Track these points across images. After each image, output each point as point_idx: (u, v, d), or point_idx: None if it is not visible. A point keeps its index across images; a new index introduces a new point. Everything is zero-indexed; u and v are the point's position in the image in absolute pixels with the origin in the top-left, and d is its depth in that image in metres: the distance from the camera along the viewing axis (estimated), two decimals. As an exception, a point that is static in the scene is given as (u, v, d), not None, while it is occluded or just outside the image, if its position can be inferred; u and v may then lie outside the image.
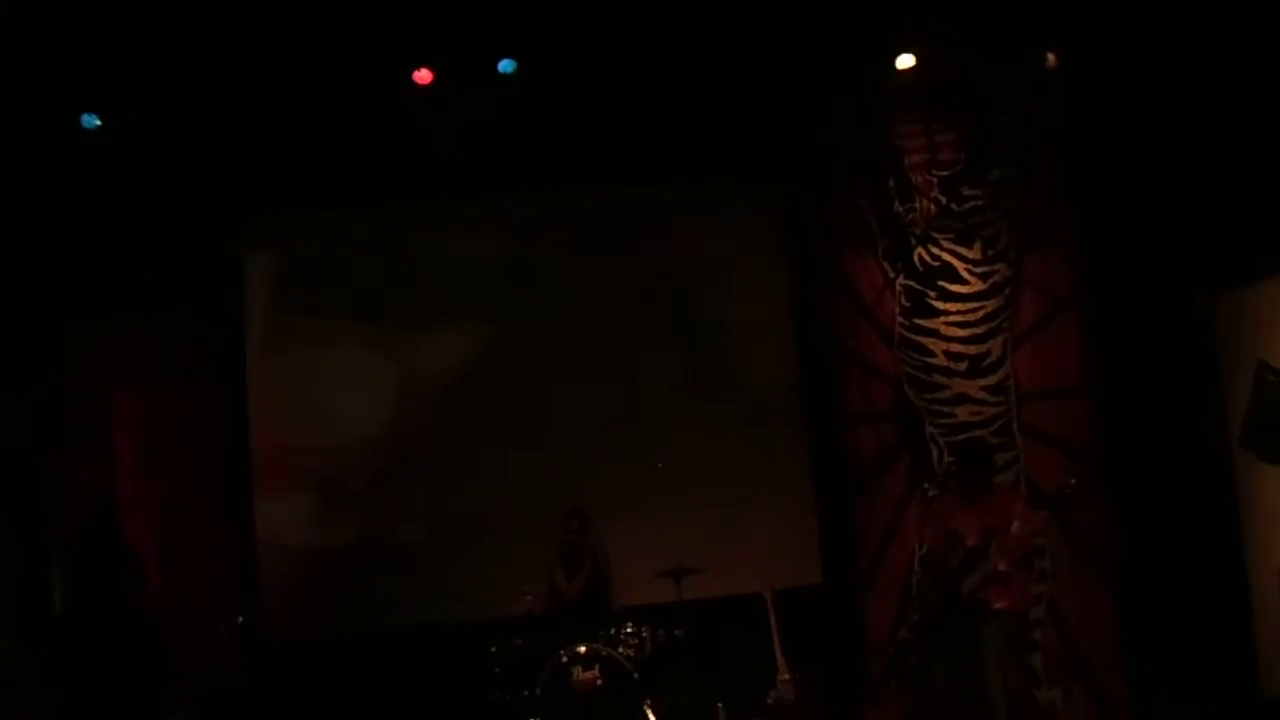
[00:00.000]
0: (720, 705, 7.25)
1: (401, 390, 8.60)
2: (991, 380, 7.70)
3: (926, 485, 7.58)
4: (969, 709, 6.39)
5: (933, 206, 7.82)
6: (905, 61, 7.60)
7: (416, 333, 8.68)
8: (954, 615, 6.28)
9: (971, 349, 7.67)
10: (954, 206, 7.81)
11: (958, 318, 7.69)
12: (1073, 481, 6.45)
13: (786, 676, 7.65)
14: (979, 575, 6.20)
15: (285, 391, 8.56)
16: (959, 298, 7.71)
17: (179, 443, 8.12)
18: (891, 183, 7.91)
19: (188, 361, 8.20)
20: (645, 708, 7.01)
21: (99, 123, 7.58)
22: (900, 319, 7.81)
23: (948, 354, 7.70)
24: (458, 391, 8.59)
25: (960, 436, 7.56)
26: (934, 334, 7.72)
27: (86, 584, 7.77)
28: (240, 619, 7.76)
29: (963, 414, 7.67)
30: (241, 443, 8.43)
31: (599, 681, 7.00)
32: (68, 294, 7.82)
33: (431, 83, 7.62)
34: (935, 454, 7.67)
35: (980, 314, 7.70)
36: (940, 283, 7.73)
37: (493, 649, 7.29)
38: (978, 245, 7.76)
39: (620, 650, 7.16)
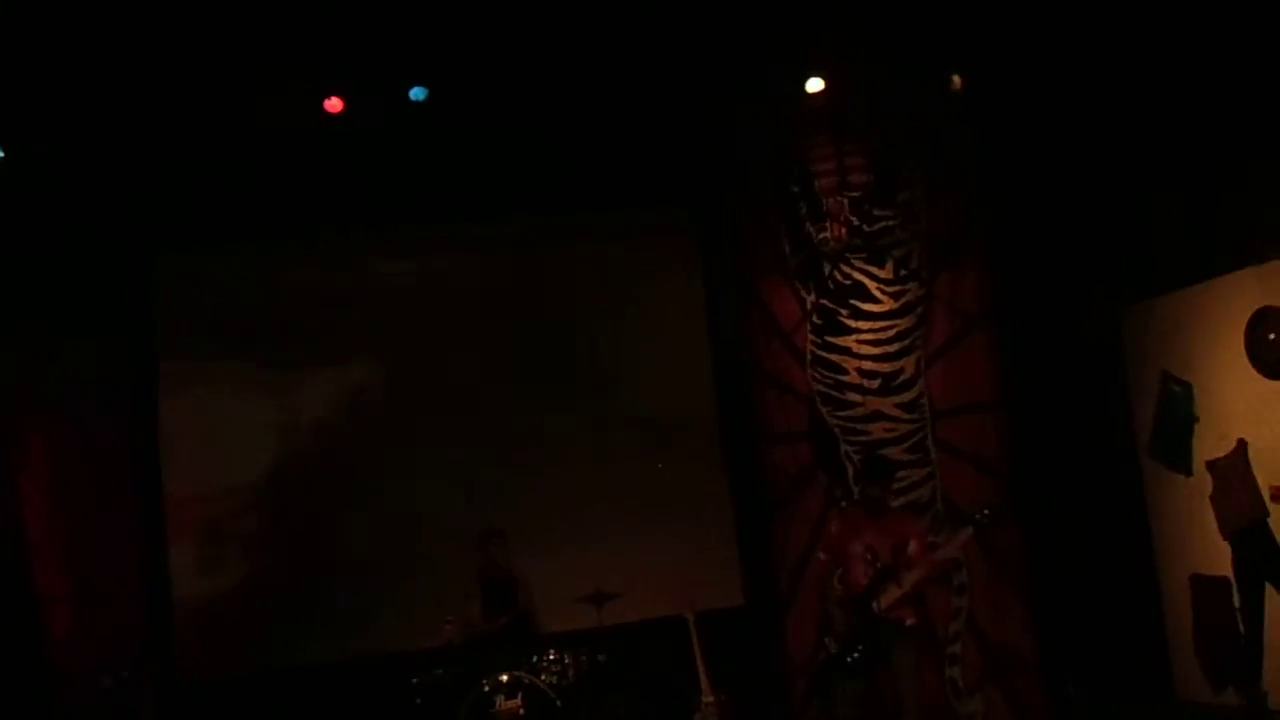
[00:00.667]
0: (645, 730, 7.24)
1: (311, 425, 8.49)
2: (905, 397, 7.79)
3: (844, 504, 7.63)
4: None
5: (844, 228, 7.89)
6: (815, 85, 7.65)
7: (323, 365, 8.57)
8: (867, 635, 6.28)
9: (884, 366, 7.77)
10: (865, 227, 7.90)
11: (870, 336, 7.78)
12: (986, 512, 6.43)
13: (711, 699, 7.63)
14: (890, 594, 6.24)
15: (192, 431, 8.41)
16: (871, 316, 7.80)
17: (88, 482, 7.95)
18: (803, 204, 7.98)
19: (95, 400, 8.03)
20: (569, 735, 6.99)
21: (1, 154, 7.45)
22: (813, 337, 7.87)
23: (860, 371, 7.78)
24: (367, 424, 8.51)
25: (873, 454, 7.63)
26: (847, 352, 7.79)
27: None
28: (125, 674, 7.56)
29: (877, 431, 7.74)
30: (152, 481, 8.28)
31: (522, 710, 6.94)
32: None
33: (342, 111, 7.57)
34: (850, 472, 7.73)
35: (893, 332, 7.80)
36: (852, 301, 7.82)
37: (414, 680, 7.22)
38: (889, 265, 7.86)
39: (543, 678, 7.13)
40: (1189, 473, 7.21)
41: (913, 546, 6.35)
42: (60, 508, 7.85)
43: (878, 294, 7.82)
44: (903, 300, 7.84)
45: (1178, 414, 7.29)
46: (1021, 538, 7.74)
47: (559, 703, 7.02)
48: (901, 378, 7.77)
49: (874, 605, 6.25)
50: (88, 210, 7.90)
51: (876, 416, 7.75)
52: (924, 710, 6.54)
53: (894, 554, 6.28)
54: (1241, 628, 6.85)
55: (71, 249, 7.92)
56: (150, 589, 8.15)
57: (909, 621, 6.31)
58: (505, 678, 7.02)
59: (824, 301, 7.86)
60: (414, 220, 8.54)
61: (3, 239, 7.70)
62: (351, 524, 8.37)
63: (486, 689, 6.99)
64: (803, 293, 7.92)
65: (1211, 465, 7.01)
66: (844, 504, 6.98)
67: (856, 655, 6.29)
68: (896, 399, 7.76)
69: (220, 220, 8.31)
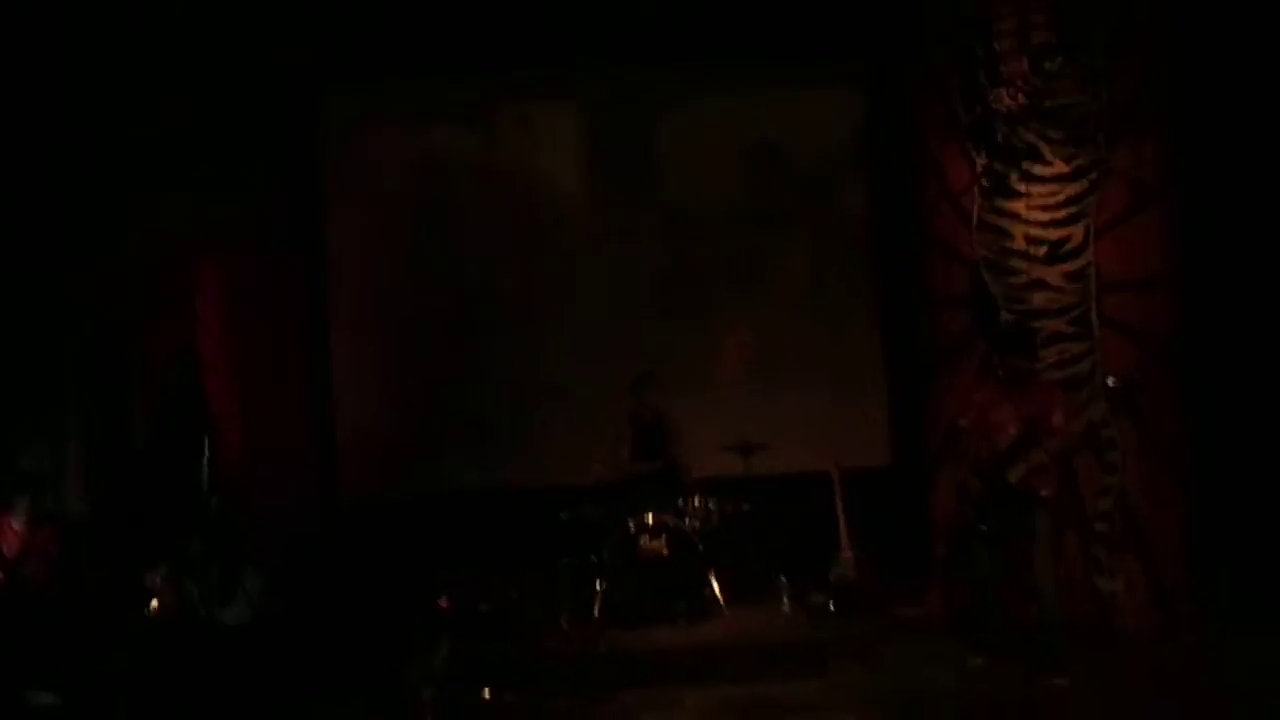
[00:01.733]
0: (783, 579, 7.36)
1: (473, 258, 8.73)
2: (1071, 267, 7.53)
3: (1000, 373, 7.52)
4: (1020, 598, 6.43)
5: (1021, 90, 7.60)
6: (1001, -60, 7.34)
7: (483, 203, 8.74)
8: (1002, 505, 6.26)
9: (1052, 234, 7.50)
10: (1043, 90, 7.57)
11: (1039, 201, 7.50)
12: (1115, 381, 6.39)
13: (849, 555, 7.74)
14: (1025, 465, 6.18)
15: (360, 256, 8.71)
16: (1042, 180, 7.50)
17: (258, 307, 8.30)
18: (981, 65, 7.70)
19: (265, 228, 8.33)
20: (709, 578, 7.15)
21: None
22: (980, 201, 7.64)
23: (1027, 238, 7.52)
24: (529, 262, 8.68)
25: (1036, 324, 7.47)
26: (1014, 217, 7.54)
27: (171, 444, 7.99)
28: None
29: (1039, 300, 7.52)
30: (320, 305, 8.61)
31: (665, 552, 7.12)
32: (148, 164, 7.91)
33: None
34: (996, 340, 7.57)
35: (1063, 198, 7.50)
36: (1024, 165, 7.52)
37: (562, 515, 7.45)
38: (1066, 129, 7.51)
39: (687, 522, 7.27)
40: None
41: (1056, 418, 6.26)
42: (232, 331, 8.21)
43: (1051, 158, 7.50)
44: (1075, 165, 7.50)
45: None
46: (1180, 420, 7.54)
47: (701, 547, 7.17)
48: (1068, 246, 7.51)
49: (1010, 475, 6.22)
50: (260, 42, 8.05)
51: (1039, 286, 7.51)
52: (1059, 583, 6.50)
53: (1033, 425, 6.21)
54: None
55: (243, 84, 8.12)
56: (316, 411, 8.55)
57: (1044, 493, 6.26)
58: (650, 519, 7.18)
59: (995, 164, 7.59)
60: (576, 63, 8.55)
61: (180, 73, 7.92)
62: (510, 361, 8.64)
63: (631, 529, 7.18)
64: (973, 154, 7.66)
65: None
66: (1000, 373, 6.86)
67: (991, 524, 6.30)
68: (1062, 268, 7.50)
69: (381, 60, 8.46)
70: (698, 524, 7.31)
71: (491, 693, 6.29)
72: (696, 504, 7.38)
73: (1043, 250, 7.52)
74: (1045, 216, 7.51)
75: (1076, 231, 7.53)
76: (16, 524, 6.46)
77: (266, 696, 6.43)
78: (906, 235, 8.12)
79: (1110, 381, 6.42)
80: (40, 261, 7.68)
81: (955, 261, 7.75)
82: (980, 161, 7.68)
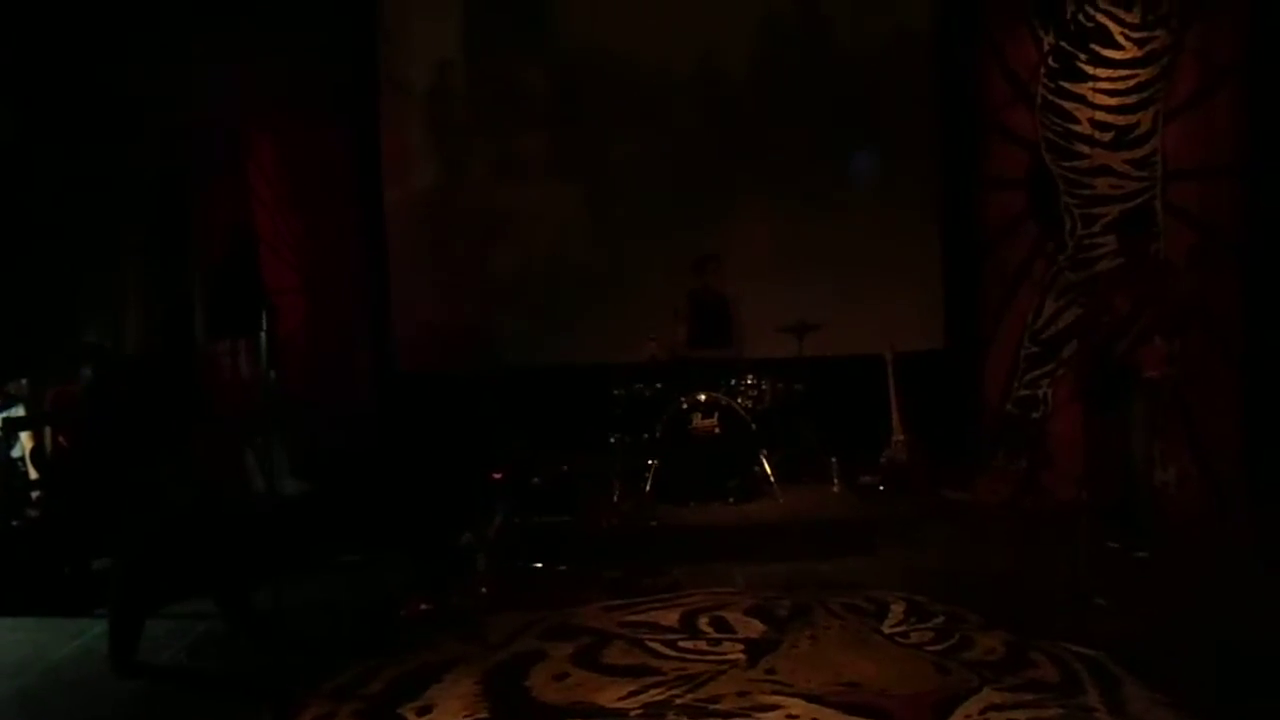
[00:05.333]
0: (834, 460, 7.40)
1: (533, 131, 8.69)
2: (1137, 154, 7.38)
3: (1061, 258, 7.46)
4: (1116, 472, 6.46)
5: (1092, -35, 7.38)
6: None
7: (542, 76, 8.68)
8: (1106, 379, 6.28)
9: (1119, 118, 7.34)
10: (1115, -36, 7.36)
11: (1108, 85, 7.33)
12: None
13: (901, 438, 7.79)
14: (1130, 342, 6.17)
15: (417, 132, 8.68)
16: (1112, 63, 7.31)
17: (314, 180, 8.31)
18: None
19: (321, 102, 8.29)
20: (760, 457, 7.20)
21: None
22: (1046, 81, 7.48)
23: (1093, 122, 7.38)
24: (598, 132, 8.65)
25: (1097, 209, 7.37)
26: (1081, 100, 7.38)
27: (227, 316, 8.07)
28: None
29: (1102, 186, 7.40)
30: (373, 181, 8.61)
31: (717, 430, 7.16)
32: (205, 31, 7.85)
33: None
34: (1068, 225, 7.49)
35: (1133, 82, 7.32)
36: (1093, 46, 7.33)
37: (615, 392, 7.49)
38: (1137, 8, 7.28)
39: (739, 401, 7.30)
40: None
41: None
42: (288, 204, 8.22)
43: (1121, 40, 7.30)
44: (1148, 49, 7.30)
45: None
46: (1239, 311, 7.44)
47: (753, 426, 7.19)
48: (1136, 132, 7.34)
49: (1115, 354, 6.22)
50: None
51: (1104, 171, 7.38)
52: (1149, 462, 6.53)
53: (1137, 303, 6.19)
54: None
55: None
56: (371, 285, 8.61)
57: (1150, 374, 6.26)
58: (703, 397, 7.21)
59: (1063, 44, 7.41)
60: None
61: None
62: (568, 239, 8.66)
63: (684, 406, 7.21)
64: (1040, 34, 7.49)
65: None
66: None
67: (1097, 401, 6.37)
68: (1128, 154, 7.35)
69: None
70: (750, 403, 7.34)
71: (544, 563, 6.43)
72: (749, 383, 7.41)
73: (1109, 135, 7.37)
74: (1113, 101, 7.35)
75: (1145, 117, 7.36)
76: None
77: (322, 564, 6.63)
78: (969, 117, 7.97)
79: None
80: (97, 130, 7.67)
81: (1015, 144, 7.62)
82: (1048, 41, 7.50)
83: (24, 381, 6.95)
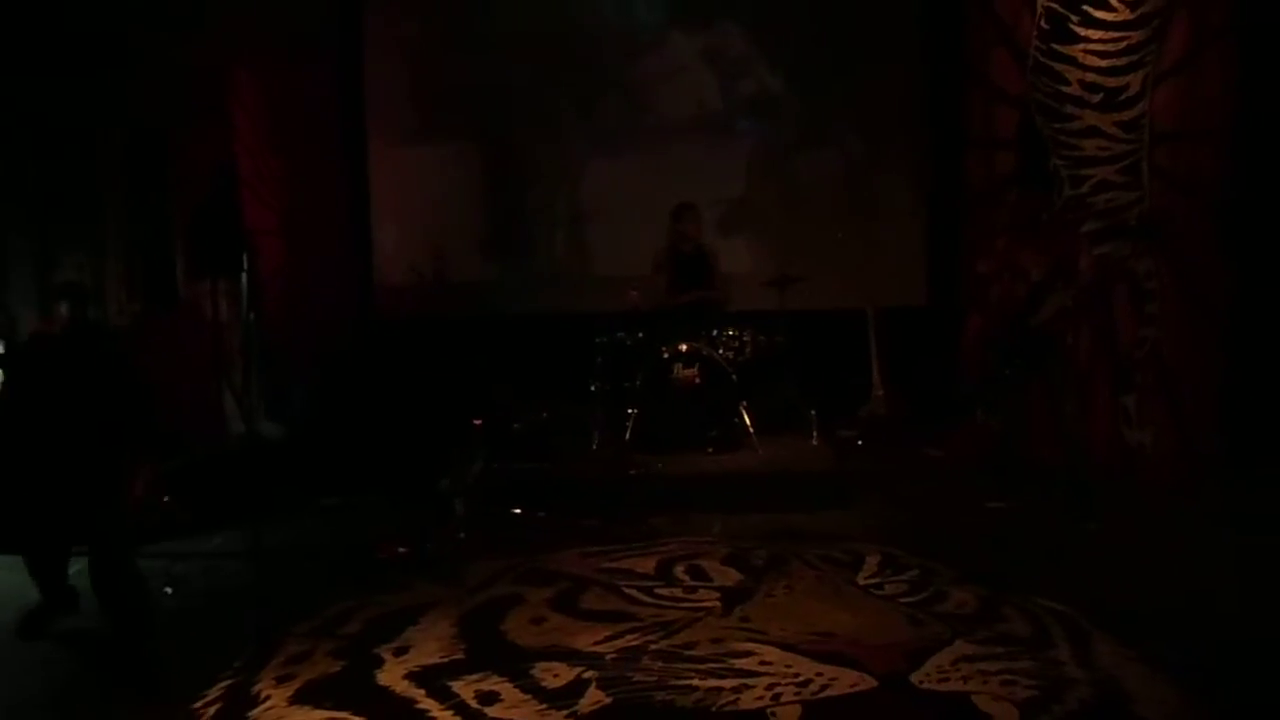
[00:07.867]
0: (813, 413, 7.44)
1: (513, 80, 8.63)
2: (1126, 116, 7.34)
3: (1045, 216, 7.45)
4: (1042, 444, 6.48)
5: (1086, -77, 7.33)
6: None
7: (525, 26, 8.60)
8: (1024, 349, 6.28)
9: (1110, 80, 7.28)
10: (1109, -77, 7.31)
11: (1099, 46, 7.28)
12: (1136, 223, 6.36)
13: (881, 392, 7.83)
14: (1049, 309, 6.16)
15: (400, 68, 8.60)
16: (1104, 25, 7.26)
17: (296, 120, 8.23)
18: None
19: (304, 41, 8.20)
20: (740, 409, 7.22)
21: None
22: (1037, 43, 7.45)
23: (1083, 84, 7.33)
24: (583, 78, 8.61)
25: (1084, 170, 7.35)
26: (1072, 61, 7.34)
27: (207, 257, 7.99)
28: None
29: (1090, 148, 7.37)
30: (359, 121, 8.52)
31: (697, 380, 7.19)
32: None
33: None
34: (1057, 186, 7.48)
35: (1124, 45, 7.26)
36: (1085, 7, 7.30)
37: (596, 340, 7.49)
38: (1131, -30, 7.28)
39: (721, 351, 7.31)
40: None
41: (1082, 262, 6.24)
42: (270, 146, 8.15)
43: (1115, 3, 7.30)
44: (1140, 11, 7.26)
45: None
46: (1222, 275, 7.45)
47: (734, 377, 7.22)
48: (1126, 94, 7.30)
49: (1032, 320, 6.22)
50: None
51: (1092, 132, 7.35)
52: (1083, 430, 6.54)
53: (1056, 269, 6.18)
54: None
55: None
56: (352, 229, 8.55)
57: (1069, 339, 6.26)
58: (684, 347, 7.23)
59: (1054, 5, 7.39)
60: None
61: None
62: (549, 184, 8.60)
63: (665, 356, 7.23)
64: (1033, -8, 7.47)
65: None
66: (1044, 216, 6.76)
67: (1013, 369, 6.32)
68: (1116, 116, 7.33)
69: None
70: (731, 354, 7.36)
71: (522, 510, 6.44)
72: (730, 334, 7.42)
73: (1098, 97, 7.35)
74: (1103, 63, 7.29)
75: (1134, 80, 7.30)
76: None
77: (301, 505, 6.62)
78: (958, 75, 7.94)
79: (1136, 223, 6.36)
80: (76, 64, 7.55)
81: (1004, 103, 7.60)
82: (1040, 2, 7.45)
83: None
